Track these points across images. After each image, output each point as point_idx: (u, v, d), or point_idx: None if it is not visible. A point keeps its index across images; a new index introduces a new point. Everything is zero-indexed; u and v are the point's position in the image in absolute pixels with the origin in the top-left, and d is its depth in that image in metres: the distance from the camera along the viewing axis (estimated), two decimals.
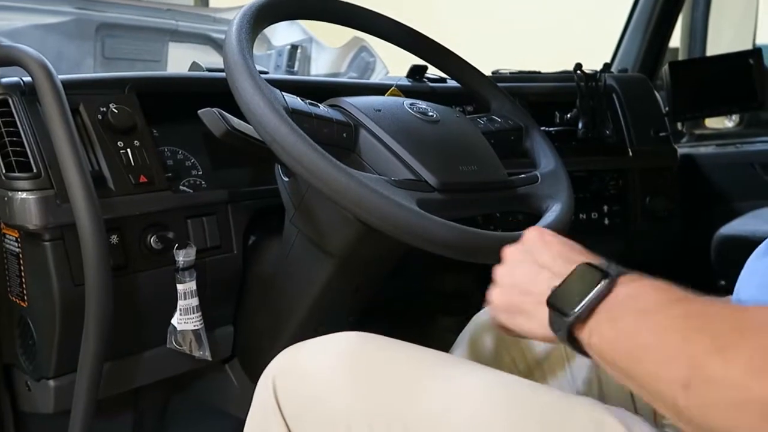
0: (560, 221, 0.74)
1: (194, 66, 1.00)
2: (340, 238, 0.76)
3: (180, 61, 1.66)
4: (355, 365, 0.61)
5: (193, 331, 0.80)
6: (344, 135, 0.71)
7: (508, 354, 0.78)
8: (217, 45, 1.75)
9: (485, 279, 0.58)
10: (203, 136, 0.96)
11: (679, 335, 0.42)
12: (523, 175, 0.80)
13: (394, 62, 1.35)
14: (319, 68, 1.75)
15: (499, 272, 0.56)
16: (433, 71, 1.09)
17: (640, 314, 0.45)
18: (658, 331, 0.43)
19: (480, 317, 0.82)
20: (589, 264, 0.49)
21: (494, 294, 0.56)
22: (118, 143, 0.79)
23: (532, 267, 0.53)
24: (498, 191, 0.76)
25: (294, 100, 0.69)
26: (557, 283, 0.50)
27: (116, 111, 0.79)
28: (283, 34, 1.87)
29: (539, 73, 1.37)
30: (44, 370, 0.77)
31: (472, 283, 1.16)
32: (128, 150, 0.80)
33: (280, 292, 0.89)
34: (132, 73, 0.86)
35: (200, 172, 0.91)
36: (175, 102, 0.88)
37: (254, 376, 0.97)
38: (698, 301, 0.45)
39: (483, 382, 0.58)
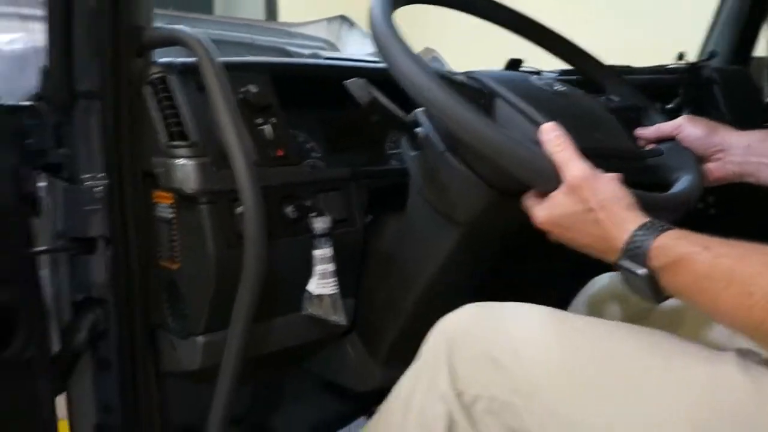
0: (692, 190, 0.74)
1: (313, 55, 1.07)
2: (469, 205, 0.79)
3: None
4: (556, 336, 0.63)
5: (329, 295, 0.84)
6: (481, 102, 0.75)
7: (624, 314, 0.80)
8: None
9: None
10: (320, 122, 1.02)
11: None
12: (647, 148, 0.81)
13: None
14: None
15: None
16: (527, 65, 1.12)
17: (712, 256, 0.53)
18: (734, 265, 0.52)
19: (598, 280, 0.84)
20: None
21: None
22: (257, 120, 0.85)
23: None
24: (629, 161, 0.77)
25: (438, 65, 0.74)
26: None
27: (255, 91, 0.86)
28: (355, 46, 1.94)
29: (629, 67, 1.37)
30: (193, 328, 0.83)
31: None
32: (266, 126, 0.86)
33: (401, 267, 0.93)
34: (266, 59, 0.93)
35: (319, 155, 0.97)
36: (298, 89, 0.94)
37: (372, 350, 1.01)
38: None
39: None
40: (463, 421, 0.67)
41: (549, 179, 0.61)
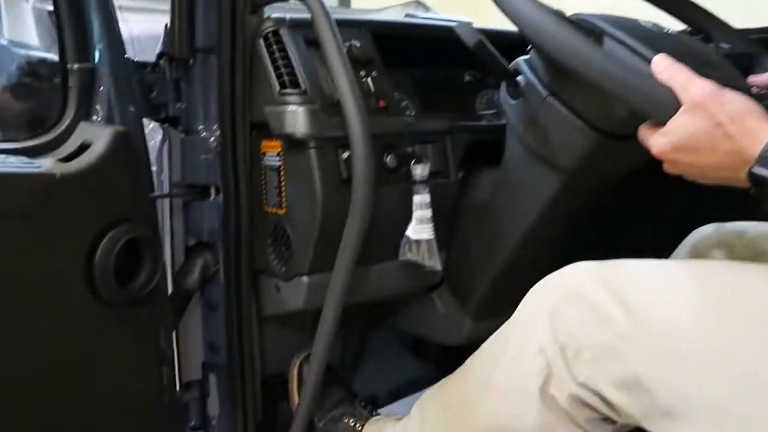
0: None
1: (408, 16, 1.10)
2: (573, 150, 0.80)
3: None
4: (682, 285, 0.62)
5: (426, 240, 0.87)
6: (591, 40, 0.75)
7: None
8: None
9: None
10: (414, 81, 1.05)
11: None
12: (762, 92, 0.80)
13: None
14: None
15: None
16: None
17: None
18: None
19: (701, 231, 0.83)
20: None
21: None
22: (360, 73, 0.89)
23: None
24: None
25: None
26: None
27: (358, 46, 0.90)
28: None
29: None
30: (298, 269, 0.88)
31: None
32: (368, 79, 0.89)
33: (496, 220, 0.95)
34: (368, 17, 0.97)
35: (413, 113, 1.00)
36: (393, 47, 0.97)
37: (462, 304, 1.04)
38: None
39: None
40: (562, 373, 0.67)
41: (667, 105, 0.61)
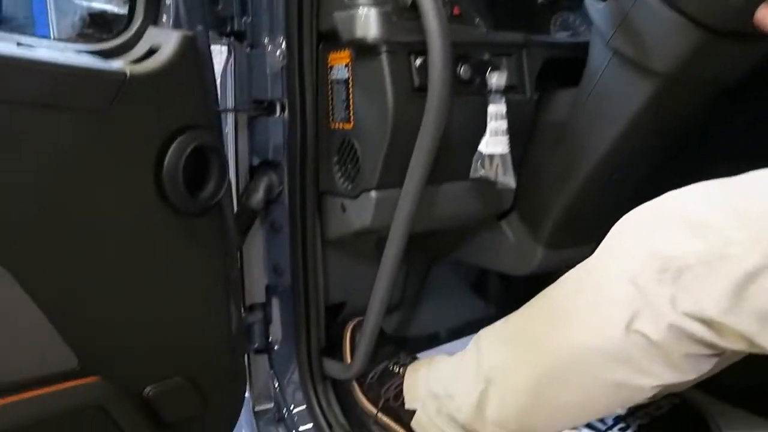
0: None
1: None
2: (672, 51, 0.74)
3: None
4: None
5: (500, 155, 0.82)
6: None
7: None
8: None
9: None
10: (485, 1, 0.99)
11: None
12: None
13: None
14: None
15: None
16: None
17: None
18: None
19: None
20: None
21: None
22: None
23: None
24: None
25: None
26: None
27: None
28: None
29: None
30: (367, 184, 0.85)
31: None
32: None
33: (574, 140, 0.89)
34: None
35: (484, 30, 0.95)
36: None
37: (534, 231, 0.99)
38: None
39: None
40: (659, 302, 0.61)
41: None
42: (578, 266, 0.74)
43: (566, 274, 0.75)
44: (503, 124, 0.82)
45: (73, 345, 0.69)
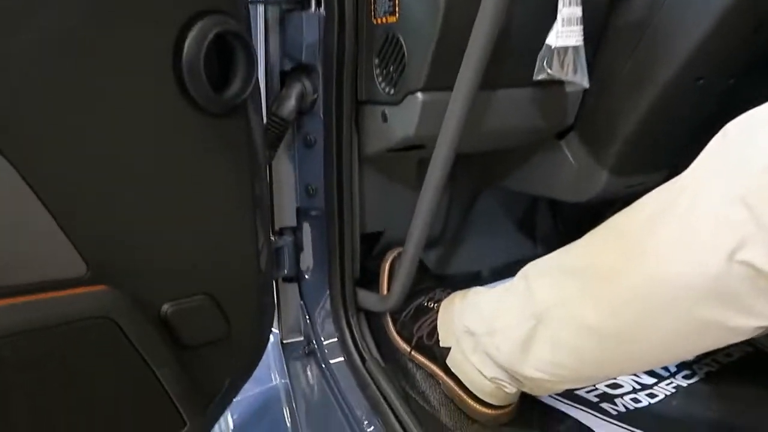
0: None
1: None
2: None
3: None
4: None
5: (573, 48, 0.70)
6: None
7: None
8: None
9: None
10: None
11: None
12: None
13: None
14: None
15: None
16: None
17: None
18: None
19: None
20: None
21: None
22: None
23: None
24: None
25: None
26: None
27: None
28: None
29: None
30: (413, 85, 0.74)
31: None
32: None
33: (651, 44, 0.76)
34: None
35: None
36: None
37: (598, 153, 0.87)
38: None
39: None
40: None
41: None
42: (659, 188, 0.62)
43: (641, 199, 0.64)
44: (577, 11, 0.69)
45: (81, 250, 0.61)
